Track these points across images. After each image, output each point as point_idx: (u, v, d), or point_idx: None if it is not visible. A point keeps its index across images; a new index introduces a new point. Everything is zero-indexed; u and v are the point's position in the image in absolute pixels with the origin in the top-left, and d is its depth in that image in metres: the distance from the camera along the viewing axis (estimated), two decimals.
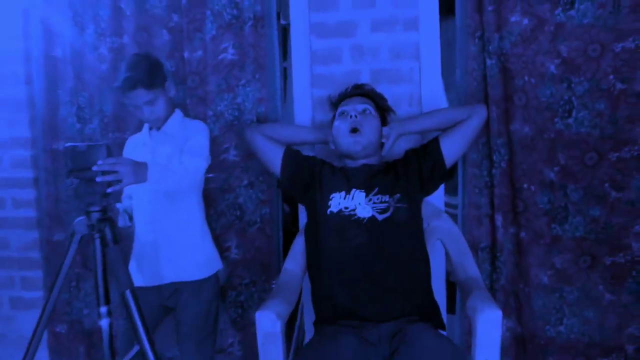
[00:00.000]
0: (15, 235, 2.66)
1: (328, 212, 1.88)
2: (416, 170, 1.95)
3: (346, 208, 1.86)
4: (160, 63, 2.11)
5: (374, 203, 1.86)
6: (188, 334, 2.15)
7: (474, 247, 2.23)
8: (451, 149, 1.96)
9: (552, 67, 2.13)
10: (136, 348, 1.94)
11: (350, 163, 2.00)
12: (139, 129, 2.28)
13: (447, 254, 2.03)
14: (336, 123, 1.99)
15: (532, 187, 2.19)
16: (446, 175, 2.00)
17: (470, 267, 1.92)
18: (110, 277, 1.77)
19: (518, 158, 2.18)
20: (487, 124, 2.15)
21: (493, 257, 2.25)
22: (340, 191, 1.91)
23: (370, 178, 1.92)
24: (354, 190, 1.89)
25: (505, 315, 2.25)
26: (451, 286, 2.23)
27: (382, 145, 2.04)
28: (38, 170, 2.61)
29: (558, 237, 2.20)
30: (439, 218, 2.06)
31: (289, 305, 1.83)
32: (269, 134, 2.08)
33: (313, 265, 1.93)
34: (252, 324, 2.33)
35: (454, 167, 2.06)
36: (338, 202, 1.89)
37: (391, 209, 1.85)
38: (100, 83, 2.48)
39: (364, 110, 1.98)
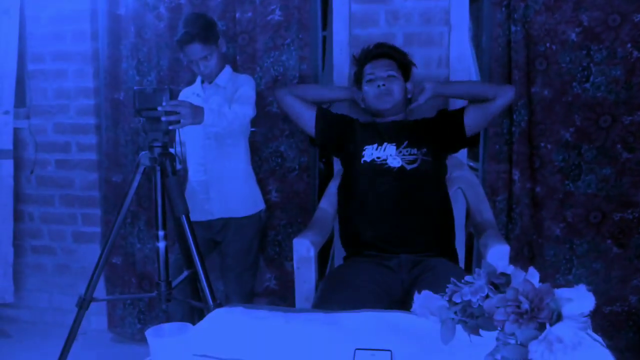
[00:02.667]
0: (79, 176, 2.93)
1: (362, 161, 2.08)
2: (440, 131, 2.13)
3: (378, 158, 2.05)
4: (214, 22, 2.33)
5: (404, 155, 2.05)
6: (231, 266, 2.41)
7: (492, 200, 2.40)
8: (474, 120, 2.10)
9: (573, 35, 2.29)
10: (185, 273, 2.21)
11: (380, 119, 2.18)
12: (191, 82, 2.51)
13: (466, 201, 2.24)
14: (366, 88, 2.15)
15: (549, 146, 2.35)
16: (466, 142, 2.17)
17: (485, 212, 2.12)
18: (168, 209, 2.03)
19: (537, 118, 2.34)
20: None
21: (509, 209, 2.42)
22: (372, 143, 2.09)
23: (400, 133, 2.10)
24: (385, 143, 2.08)
25: (518, 263, 2.43)
26: (469, 251, 2.41)
27: (408, 101, 2.20)
28: (100, 118, 2.86)
29: (571, 193, 2.37)
30: (460, 169, 2.27)
31: (322, 237, 2.07)
32: (298, 94, 2.22)
33: (344, 207, 2.14)
34: (289, 261, 2.59)
35: (478, 136, 2.22)
36: (371, 152, 2.08)
37: (419, 161, 2.03)
38: (158, 40, 2.68)
39: (389, 76, 2.13)
